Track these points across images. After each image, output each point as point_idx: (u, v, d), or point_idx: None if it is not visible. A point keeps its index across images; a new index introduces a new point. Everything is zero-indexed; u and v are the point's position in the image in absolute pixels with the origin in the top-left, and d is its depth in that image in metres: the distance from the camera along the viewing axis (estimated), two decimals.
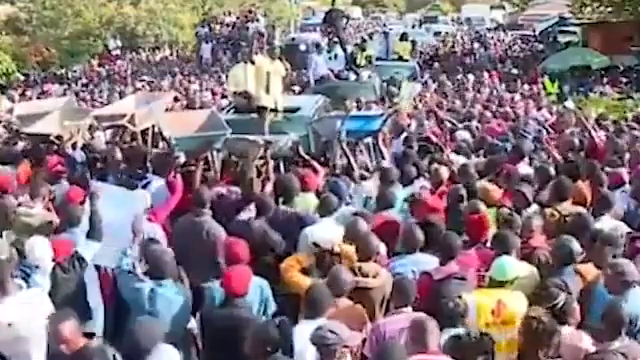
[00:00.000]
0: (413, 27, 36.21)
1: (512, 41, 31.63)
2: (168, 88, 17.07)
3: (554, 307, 4.27)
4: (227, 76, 11.46)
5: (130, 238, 4.99)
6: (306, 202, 6.42)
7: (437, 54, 27.13)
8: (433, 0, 56.98)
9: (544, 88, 17.37)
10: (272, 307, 5.03)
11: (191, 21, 30.43)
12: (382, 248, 5.37)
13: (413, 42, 19.40)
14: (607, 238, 5.19)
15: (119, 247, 5.00)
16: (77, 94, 16.68)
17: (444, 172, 7.03)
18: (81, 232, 5.45)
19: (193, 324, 5.10)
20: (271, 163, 7.28)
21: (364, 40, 19.01)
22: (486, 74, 19.47)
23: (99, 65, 25.73)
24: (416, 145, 8.43)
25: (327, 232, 5.45)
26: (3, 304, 4.43)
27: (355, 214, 5.91)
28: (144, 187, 6.66)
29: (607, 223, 5.80)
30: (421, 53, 24.49)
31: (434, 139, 8.67)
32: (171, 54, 29.65)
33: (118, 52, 27.97)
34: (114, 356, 3.95)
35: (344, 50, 14.90)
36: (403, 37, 19.15)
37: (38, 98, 15.68)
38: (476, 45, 28.79)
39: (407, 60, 18.09)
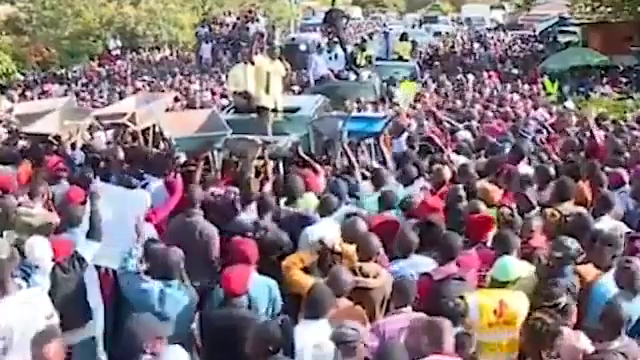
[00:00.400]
0: (413, 27, 36.17)
1: (512, 41, 31.64)
2: (168, 88, 17.07)
3: (555, 307, 4.27)
4: (227, 76, 11.46)
5: (134, 238, 4.97)
6: (307, 202, 6.41)
7: (437, 54, 27.12)
8: (433, 0, 56.94)
9: (544, 88, 17.38)
10: (279, 307, 5.00)
11: (191, 21, 30.44)
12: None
13: (413, 42, 19.39)
14: (607, 238, 5.19)
15: (120, 247, 4.97)
16: (77, 94, 16.68)
17: (446, 172, 7.03)
18: (81, 232, 5.43)
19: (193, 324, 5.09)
20: (270, 163, 7.28)
21: (364, 40, 18.99)
22: (486, 74, 19.48)
23: (99, 65, 25.73)
24: (417, 145, 8.44)
25: (328, 231, 5.44)
26: (3, 304, 4.42)
27: (355, 214, 5.89)
28: (143, 187, 6.66)
29: (607, 223, 5.80)
30: (421, 53, 24.48)
31: (436, 139, 8.68)
32: (171, 54, 29.62)
33: (118, 52, 27.99)
34: None
35: (344, 50, 14.88)
36: (403, 37, 19.18)
37: (39, 98, 15.69)
38: (476, 45, 28.83)
39: (407, 60, 18.13)
